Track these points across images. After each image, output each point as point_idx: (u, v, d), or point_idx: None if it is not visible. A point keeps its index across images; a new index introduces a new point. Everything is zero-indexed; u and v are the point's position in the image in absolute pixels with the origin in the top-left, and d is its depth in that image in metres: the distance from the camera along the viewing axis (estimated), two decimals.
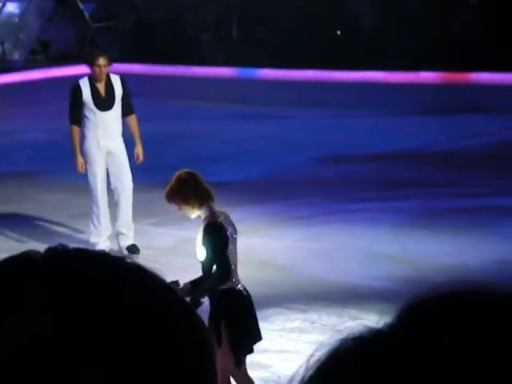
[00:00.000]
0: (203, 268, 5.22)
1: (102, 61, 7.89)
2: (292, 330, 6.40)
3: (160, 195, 10.34)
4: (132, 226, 8.05)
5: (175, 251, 8.20)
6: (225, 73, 17.93)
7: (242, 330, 5.02)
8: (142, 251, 7.91)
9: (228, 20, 19.45)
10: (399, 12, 17.65)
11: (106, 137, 7.90)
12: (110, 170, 8.02)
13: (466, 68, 16.22)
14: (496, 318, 0.70)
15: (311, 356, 0.72)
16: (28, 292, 0.80)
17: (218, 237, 5.10)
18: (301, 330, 6.38)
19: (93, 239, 7.98)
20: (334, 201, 9.55)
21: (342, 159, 11.75)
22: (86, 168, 7.97)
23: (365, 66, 16.57)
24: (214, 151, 12.48)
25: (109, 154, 7.97)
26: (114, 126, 7.96)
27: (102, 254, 0.87)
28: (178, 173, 5.47)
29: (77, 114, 7.92)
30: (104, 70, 7.91)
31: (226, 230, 5.14)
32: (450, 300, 0.73)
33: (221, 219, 5.17)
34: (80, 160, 7.96)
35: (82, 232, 8.72)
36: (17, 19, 19.85)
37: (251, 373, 5.77)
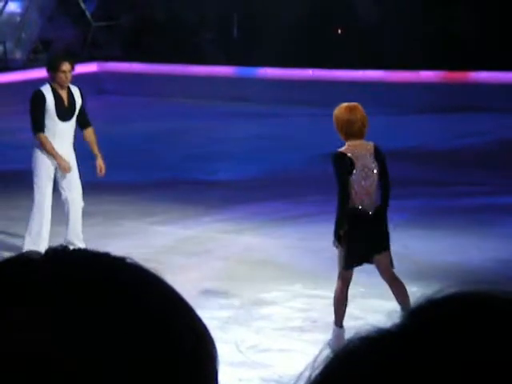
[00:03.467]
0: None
1: (67, 66, 7.55)
2: (293, 329, 6.40)
3: (160, 194, 10.41)
4: (81, 236, 7.76)
5: (175, 250, 8.21)
6: (225, 71, 17.92)
7: (350, 241, 5.96)
8: (141, 250, 7.91)
9: (229, 19, 19.44)
10: (400, 11, 17.64)
11: (61, 147, 7.62)
12: (60, 182, 7.71)
13: (466, 67, 16.21)
14: (506, 320, 0.71)
15: (317, 356, 0.72)
16: (29, 293, 0.80)
17: (338, 165, 5.99)
18: (302, 329, 6.38)
19: (26, 248, 7.56)
20: (332, 199, 9.53)
21: None
22: (33, 178, 7.64)
23: (365, 64, 16.56)
24: (214, 150, 12.48)
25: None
26: (69, 137, 7.69)
27: (103, 255, 0.87)
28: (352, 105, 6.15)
29: (43, 122, 7.60)
30: (69, 76, 7.59)
31: (351, 160, 5.97)
32: (460, 300, 0.72)
33: (352, 151, 6.00)
34: (64, 161, 7.63)
35: (84, 231, 8.72)
36: (18, 18, 19.84)
37: (252, 372, 5.78)
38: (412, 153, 12.13)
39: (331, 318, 6.45)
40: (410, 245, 7.92)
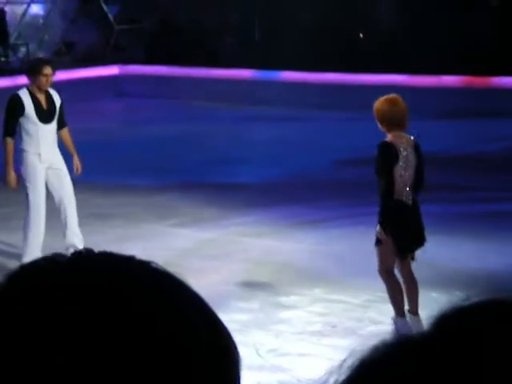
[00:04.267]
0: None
1: (48, 70, 7.58)
2: (312, 334, 6.39)
3: (179, 196, 10.42)
4: (81, 236, 7.79)
5: (195, 253, 8.21)
6: (246, 75, 17.94)
7: (402, 236, 6.08)
8: (161, 252, 7.92)
9: (250, 23, 19.46)
10: (421, 15, 17.59)
11: (47, 150, 7.65)
12: (51, 184, 7.70)
13: (487, 72, 16.13)
14: None
15: (343, 362, 0.71)
16: (54, 296, 0.81)
17: (385, 155, 6.06)
18: (321, 334, 6.36)
19: (27, 259, 7.49)
20: (352, 204, 9.53)
21: (362, 162, 11.71)
22: (25, 184, 7.62)
23: (387, 69, 16.53)
24: (235, 153, 12.48)
25: (49, 167, 7.70)
26: (53, 139, 7.73)
27: (127, 258, 0.87)
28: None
29: (13, 127, 7.62)
30: (50, 80, 7.62)
31: (397, 151, 6.04)
32: (486, 310, 0.71)
33: (396, 142, 6.08)
34: (13, 174, 7.64)
35: (99, 233, 8.75)
36: (41, 20, 19.95)
37: (271, 376, 5.77)
38: (433, 158, 12.08)
39: (350, 322, 6.43)
40: (429, 250, 7.88)
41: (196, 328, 0.81)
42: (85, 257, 0.85)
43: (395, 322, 6.13)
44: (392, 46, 17.39)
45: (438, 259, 7.71)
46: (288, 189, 10.50)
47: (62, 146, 7.98)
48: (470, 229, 8.66)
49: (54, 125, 7.76)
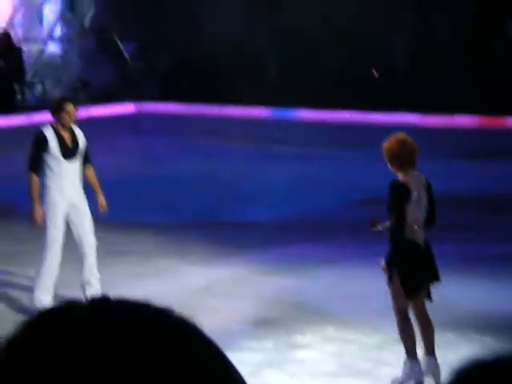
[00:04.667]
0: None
1: (70, 107, 7.69)
2: (327, 374, 6.35)
3: (193, 234, 10.44)
4: (98, 275, 7.80)
5: (208, 291, 8.20)
6: (260, 113, 18.02)
7: (409, 276, 6.06)
8: (175, 289, 7.92)
9: (264, 61, 19.58)
10: (434, 55, 17.67)
11: (70, 187, 7.71)
12: (71, 221, 7.74)
13: (502, 112, 16.15)
14: None
15: None
16: (74, 342, 0.82)
17: (397, 194, 6.07)
18: (335, 375, 6.32)
19: (41, 295, 7.60)
20: (367, 243, 9.52)
21: (377, 201, 11.71)
22: (45, 220, 7.65)
23: (402, 107, 16.58)
24: (247, 191, 12.51)
25: (72, 205, 7.74)
26: (76, 177, 7.78)
27: (144, 306, 0.88)
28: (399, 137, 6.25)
29: (38, 162, 7.71)
30: (73, 117, 7.74)
31: (409, 190, 6.06)
32: (507, 367, 0.72)
33: (408, 181, 6.09)
34: (39, 211, 7.69)
35: (115, 269, 8.76)
36: (58, 59, 20.15)
37: None
38: (445, 198, 12.07)
39: (364, 364, 6.39)
40: (446, 291, 7.84)
41: (207, 378, 0.82)
42: (102, 304, 0.86)
43: (405, 364, 6.07)
44: (405, 84, 17.45)
45: (454, 300, 7.67)
46: (302, 227, 10.49)
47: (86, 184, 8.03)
48: (488, 270, 8.62)
49: (77, 162, 7.83)
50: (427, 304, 6.21)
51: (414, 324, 6.14)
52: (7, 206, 11.90)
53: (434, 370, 5.96)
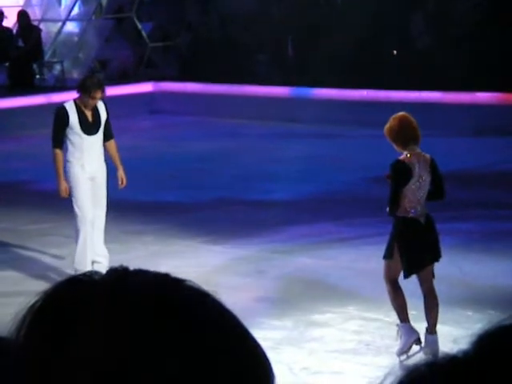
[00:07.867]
0: None
1: (98, 94, 7.69)
2: (346, 352, 6.35)
3: (211, 213, 10.45)
4: (107, 254, 7.82)
5: (227, 270, 8.21)
6: (279, 92, 17.97)
7: (407, 251, 6.06)
8: (194, 269, 7.93)
9: (283, 40, 19.52)
10: (455, 32, 17.54)
11: (91, 161, 7.75)
12: (92, 195, 7.82)
13: None
14: None
15: (383, 381, 0.71)
16: (91, 312, 0.81)
17: (395, 177, 6.11)
18: (355, 352, 6.33)
19: (81, 266, 7.63)
20: (385, 221, 9.49)
21: None
22: (71, 196, 7.75)
23: (421, 85, 16.48)
24: (266, 170, 12.49)
25: (92, 179, 7.79)
26: (98, 151, 7.81)
27: (162, 276, 0.87)
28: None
29: (61, 138, 7.74)
30: (97, 103, 7.78)
31: (408, 169, 6.06)
32: None
33: (411, 160, 6.09)
34: (64, 184, 7.76)
35: (131, 249, 8.78)
36: (76, 38, 20.15)
37: None
38: (467, 174, 12.00)
39: (384, 341, 6.39)
40: (464, 268, 7.82)
41: (230, 345, 0.81)
42: (120, 274, 0.86)
43: (400, 328, 6.10)
44: (425, 62, 17.34)
45: (472, 277, 7.65)
46: (321, 206, 10.48)
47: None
48: (505, 247, 8.58)
49: (99, 136, 7.84)
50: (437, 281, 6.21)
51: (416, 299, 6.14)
52: (26, 182, 11.95)
53: (434, 347, 5.93)
